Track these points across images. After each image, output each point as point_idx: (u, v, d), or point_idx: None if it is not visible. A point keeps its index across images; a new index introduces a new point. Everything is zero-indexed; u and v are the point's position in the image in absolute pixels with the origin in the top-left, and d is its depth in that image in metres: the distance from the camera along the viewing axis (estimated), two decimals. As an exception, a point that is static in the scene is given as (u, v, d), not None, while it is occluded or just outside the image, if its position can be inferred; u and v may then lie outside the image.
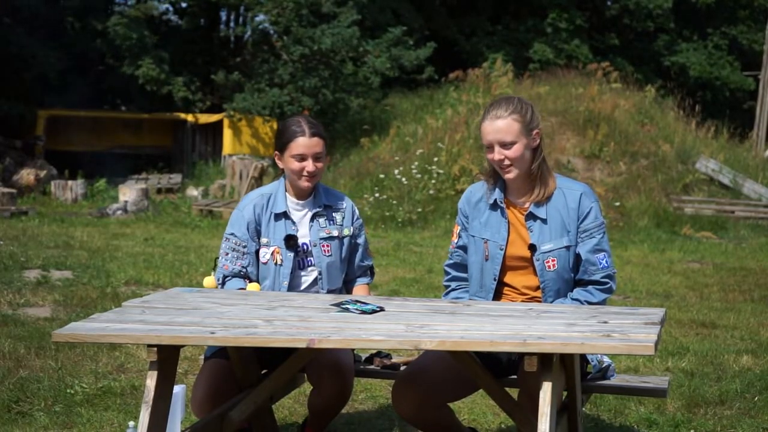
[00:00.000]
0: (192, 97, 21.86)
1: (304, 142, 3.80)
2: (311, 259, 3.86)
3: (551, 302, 3.55)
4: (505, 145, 3.51)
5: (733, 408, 4.89)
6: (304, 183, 3.84)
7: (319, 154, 3.83)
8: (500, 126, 3.50)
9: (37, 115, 20.57)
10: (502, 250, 3.59)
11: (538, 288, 3.59)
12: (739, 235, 14.99)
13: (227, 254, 3.85)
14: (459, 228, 3.77)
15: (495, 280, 3.60)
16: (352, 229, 3.96)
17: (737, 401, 4.99)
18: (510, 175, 3.55)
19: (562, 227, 3.56)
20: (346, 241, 3.93)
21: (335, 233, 3.89)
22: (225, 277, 3.85)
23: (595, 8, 28.00)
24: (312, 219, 3.88)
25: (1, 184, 16.96)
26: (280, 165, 3.89)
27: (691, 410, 4.85)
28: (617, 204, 15.90)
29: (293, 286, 3.84)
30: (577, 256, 3.58)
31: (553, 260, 3.54)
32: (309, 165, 3.81)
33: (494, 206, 3.64)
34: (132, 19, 21.14)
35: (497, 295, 3.63)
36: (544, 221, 3.56)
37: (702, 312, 7.75)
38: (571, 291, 3.59)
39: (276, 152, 3.91)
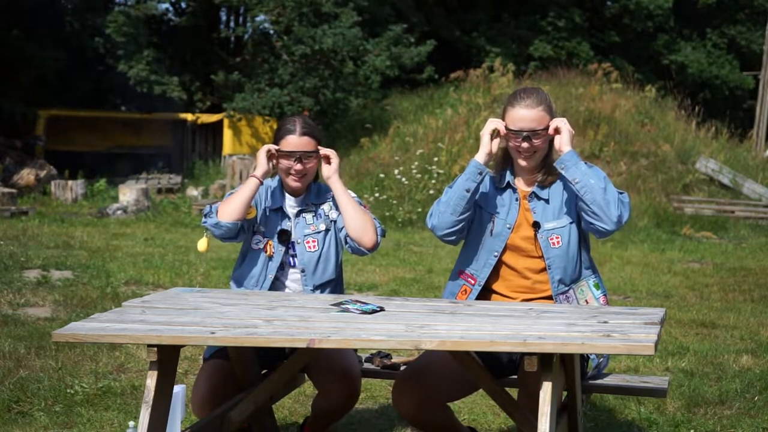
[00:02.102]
0: (187, 96, 21.80)
1: (293, 141, 3.82)
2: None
3: (558, 279, 3.56)
4: (536, 134, 3.56)
5: (733, 408, 4.89)
6: (293, 182, 3.85)
7: (308, 154, 3.83)
8: (534, 115, 3.57)
9: (37, 115, 20.55)
10: (509, 228, 3.62)
11: (542, 270, 3.60)
12: (739, 235, 14.98)
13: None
14: None
15: (496, 256, 3.62)
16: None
17: (737, 401, 4.99)
18: (531, 163, 3.61)
19: (564, 208, 3.61)
20: (335, 224, 3.89)
21: (322, 226, 3.87)
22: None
23: (594, 8, 28.00)
24: (297, 215, 3.87)
25: (1, 184, 16.95)
26: (274, 162, 3.90)
27: (691, 410, 4.85)
28: (617, 204, 15.86)
29: (279, 280, 3.83)
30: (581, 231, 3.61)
31: (557, 237, 3.58)
32: (296, 164, 3.81)
33: (506, 188, 3.69)
34: (130, 16, 21.10)
35: (495, 274, 3.64)
36: (547, 201, 3.63)
37: (702, 312, 7.75)
38: (578, 271, 3.60)
39: None
